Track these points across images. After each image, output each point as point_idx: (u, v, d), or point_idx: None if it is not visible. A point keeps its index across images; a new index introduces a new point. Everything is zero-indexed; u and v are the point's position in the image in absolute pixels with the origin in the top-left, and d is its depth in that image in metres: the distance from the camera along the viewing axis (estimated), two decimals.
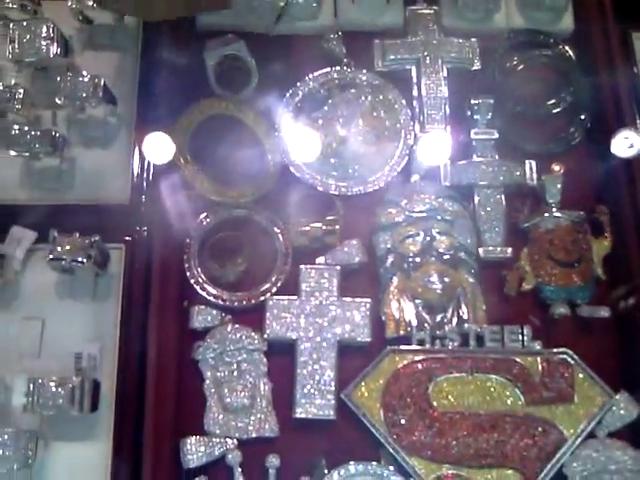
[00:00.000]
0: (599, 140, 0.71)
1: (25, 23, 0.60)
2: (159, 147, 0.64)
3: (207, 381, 0.59)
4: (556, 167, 0.69)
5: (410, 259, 0.64)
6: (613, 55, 0.71)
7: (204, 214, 0.65)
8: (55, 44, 0.60)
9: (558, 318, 0.65)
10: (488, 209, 0.68)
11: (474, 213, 0.67)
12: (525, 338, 0.62)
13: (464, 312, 0.63)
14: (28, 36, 0.60)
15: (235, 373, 0.59)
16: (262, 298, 0.62)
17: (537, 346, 0.62)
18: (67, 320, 0.58)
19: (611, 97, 0.70)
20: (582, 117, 0.72)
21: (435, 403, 0.60)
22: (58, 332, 0.57)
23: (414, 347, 0.61)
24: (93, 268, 0.55)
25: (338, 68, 0.70)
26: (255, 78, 0.68)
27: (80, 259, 0.53)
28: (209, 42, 0.67)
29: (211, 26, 0.70)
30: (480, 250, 0.66)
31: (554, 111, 0.72)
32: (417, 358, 0.60)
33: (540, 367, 0.61)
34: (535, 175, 0.69)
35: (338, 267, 0.63)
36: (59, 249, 0.53)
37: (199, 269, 0.63)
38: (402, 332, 0.62)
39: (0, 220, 0.60)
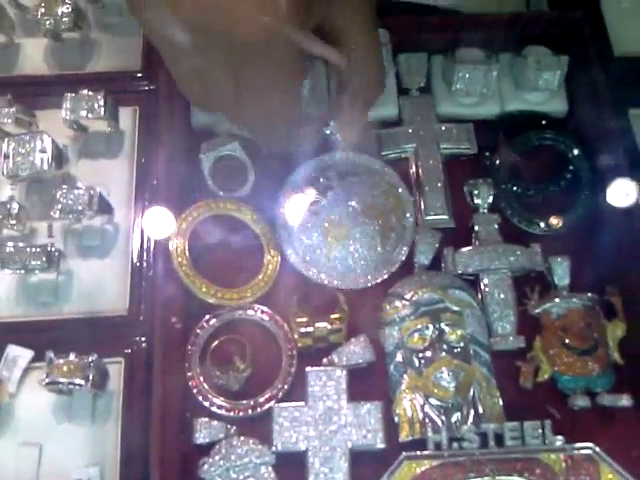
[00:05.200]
0: (604, 218, 0.70)
1: (19, 137, 0.60)
2: (157, 252, 0.63)
3: None
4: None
5: (420, 354, 0.62)
6: (610, 132, 0.71)
7: (205, 317, 0.63)
8: (49, 157, 0.60)
9: (578, 410, 0.62)
10: (497, 297, 0.66)
11: (482, 302, 0.66)
12: (546, 434, 0.59)
13: (480, 409, 0.61)
14: (22, 150, 0.60)
15: None
16: (268, 406, 0.60)
17: (559, 442, 0.59)
18: (66, 444, 0.55)
19: (612, 174, 0.70)
20: (586, 195, 0.71)
21: None
22: (57, 457, 0.54)
23: (431, 452, 0.58)
24: (91, 390, 0.53)
25: (337, 154, 0.70)
26: (252, 176, 0.67)
27: (78, 382, 0.51)
28: (204, 144, 0.66)
29: (206, 126, 0.70)
30: (492, 341, 0.64)
31: (555, 191, 0.71)
32: (435, 464, 0.57)
33: (564, 465, 0.58)
34: (541, 258, 0.67)
35: (346, 368, 0.61)
36: (55, 372, 0.51)
37: (201, 378, 0.60)
38: (417, 435, 0.59)
39: None
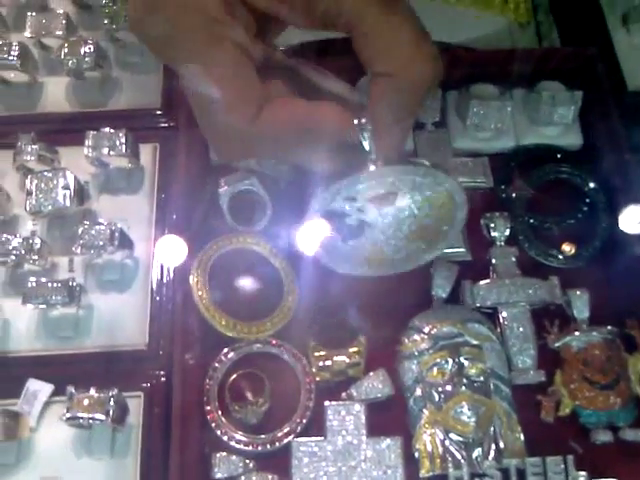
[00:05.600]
0: (622, 250, 0.70)
1: (42, 174, 0.61)
2: (177, 286, 0.63)
3: None
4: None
5: (440, 388, 0.62)
6: (625, 166, 0.71)
7: (224, 351, 0.63)
8: (71, 193, 0.61)
9: (601, 444, 0.61)
10: (516, 330, 0.65)
11: (502, 335, 0.65)
12: (569, 469, 0.58)
13: (501, 444, 0.60)
14: (45, 187, 0.61)
15: None
16: (286, 440, 0.59)
17: (582, 477, 0.58)
18: (85, 479, 0.55)
19: (628, 206, 0.70)
20: (603, 227, 0.71)
21: None
22: None
23: None
24: (112, 424, 0.53)
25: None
26: (269, 210, 0.68)
27: (98, 417, 0.51)
28: (223, 179, 0.67)
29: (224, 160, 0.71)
30: (512, 375, 0.63)
31: (572, 224, 0.71)
32: None
33: None
34: (559, 291, 0.67)
35: (364, 402, 0.61)
36: (76, 407, 0.51)
37: (219, 412, 0.60)
38: (438, 470, 0.59)
39: (15, 372, 0.59)
